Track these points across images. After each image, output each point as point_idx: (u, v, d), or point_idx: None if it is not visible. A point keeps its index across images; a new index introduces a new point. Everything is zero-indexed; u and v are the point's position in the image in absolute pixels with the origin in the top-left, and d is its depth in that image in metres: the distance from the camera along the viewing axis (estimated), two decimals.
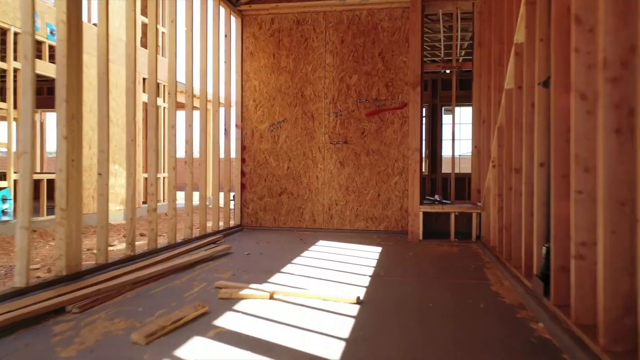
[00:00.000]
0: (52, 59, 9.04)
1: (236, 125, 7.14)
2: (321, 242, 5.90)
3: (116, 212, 10.07)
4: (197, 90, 5.79)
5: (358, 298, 3.28)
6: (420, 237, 6.02)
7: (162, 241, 5.29)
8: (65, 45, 3.47)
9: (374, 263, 4.65)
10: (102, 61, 4.06)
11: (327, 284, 3.83)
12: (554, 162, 2.86)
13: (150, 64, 4.83)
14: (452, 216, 5.99)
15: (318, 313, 3.05)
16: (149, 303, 3.22)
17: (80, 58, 3.61)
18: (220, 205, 6.50)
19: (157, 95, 10.92)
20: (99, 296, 3.22)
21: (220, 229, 6.41)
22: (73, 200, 3.56)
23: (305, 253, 5.17)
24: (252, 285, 3.53)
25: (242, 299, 3.35)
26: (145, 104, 11.88)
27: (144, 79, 10.91)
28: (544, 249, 3.14)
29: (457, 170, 6.84)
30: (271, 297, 3.36)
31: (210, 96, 6.34)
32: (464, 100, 10.81)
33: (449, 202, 6.50)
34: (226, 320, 2.88)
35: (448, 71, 10.92)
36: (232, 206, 7.23)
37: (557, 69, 2.86)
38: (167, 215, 5.19)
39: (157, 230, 4.80)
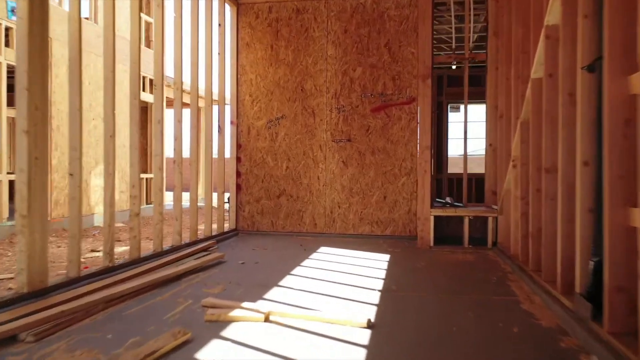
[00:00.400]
0: None
1: (231, 122, 6.64)
2: (323, 249, 5.40)
3: None
4: (187, 85, 5.32)
5: (369, 321, 2.78)
6: (431, 243, 5.52)
7: (149, 248, 4.79)
8: (27, 24, 2.97)
9: (383, 274, 4.15)
10: (74, 46, 3.56)
11: (331, 300, 3.33)
12: (608, 161, 2.36)
13: (132, 53, 4.33)
14: (466, 220, 5.49)
15: (322, 341, 2.54)
16: (121, 327, 2.72)
17: (46, 39, 3.11)
18: (214, 207, 6.00)
19: (143, 89, 10.48)
20: (63, 319, 2.72)
21: (214, 234, 5.91)
22: (37, 205, 3.06)
23: (306, 262, 4.66)
24: (244, 304, 3.03)
25: (233, 321, 2.84)
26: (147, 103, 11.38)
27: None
28: (591, 264, 2.64)
29: (469, 170, 6.33)
30: (266, 319, 2.86)
31: (202, 91, 5.84)
32: (474, 98, 10.31)
33: (461, 204, 6.00)
34: (211, 352, 2.37)
35: (454, 67, 10.44)
36: (227, 207, 6.72)
37: (612, 47, 2.36)
38: (153, 220, 4.69)
39: (140, 237, 4.30)
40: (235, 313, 2.89)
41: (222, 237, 6.01)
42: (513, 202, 4.62)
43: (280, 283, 3.80)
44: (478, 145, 14.47)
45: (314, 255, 5.00)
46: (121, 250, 5.93)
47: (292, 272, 4.19)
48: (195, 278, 3.94)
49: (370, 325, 2.77)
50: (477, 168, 12.61)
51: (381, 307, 3.18)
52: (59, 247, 6.40)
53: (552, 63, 3.41)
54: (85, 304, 2.92)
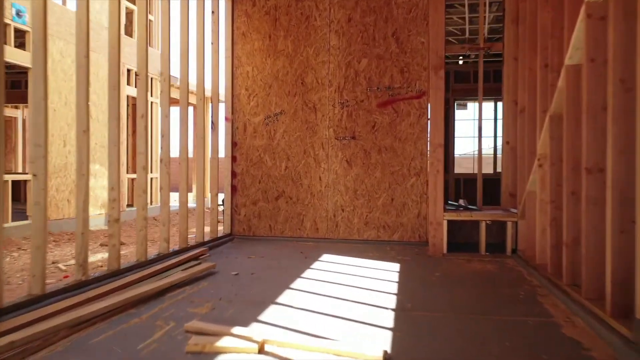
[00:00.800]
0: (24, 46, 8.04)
1: (225, 118, 6.15)
2: (326, 257, 4.91)
3: (96, 216, 9.07)
4: (178, 79, 4.83)
5: (385, 353, 2.29)
6: (444, 250, 5.02)
7: (135, 253, 4.30)
8: None
9: (395, 288, 3.66)
10: (38, 27, 3.06)
11: (337, 323, 2.84)
12: None
13: (111, 38, 3.83)
14: (483, 225, 5.00)
15: None
16: None
17: None
18: (207, 210, 5.50)
19: (128, 82, 9.97)
20: (10, 353, 2.22)
21: (206, 239, 5.41)
22: None
23: (307, 272, 4.17)
24: (235, 330, 2.54)
25: (220, 352, 2.35)
26: (131, 98, 10.90)
27: (127, 70, 9.92)
28: None
29: (475, 170, 5.84)
30: (261, 350, 2.37)
31: (193, 85, 5.34)
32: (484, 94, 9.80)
33: (475, 208, 5.51)
34: None
35: (461, 62, 9.95)
36: (221, 208, 6.23)
37: None
38: (136, 226, 4.19)
39: (119, 245, 3.80)
40: (223, 342, 2.40)
41: (215, 243, 5.51)
42: (539, 206, 4.12)
43: (278, 300, 3.31)
44: (484, 144, 13.91)
45: (315, 265, 4.51)
46: (98, 257, 5.43)
47: (292, 286, 3.70)
48: (181, 293, 3.45)
49: (386, 359, 2.28)
50: (485, 168, 12.13)
51: (397, 332, 2.68)
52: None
53: (596, 45, 2.92)
54: (43, 331, 2.42)
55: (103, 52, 9.09)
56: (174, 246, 4.95)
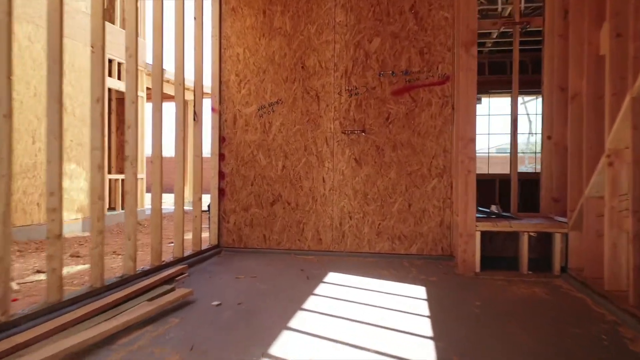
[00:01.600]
0: None
1: (212, 109, 5.22)
2: (332, 276, 3.98)
3: (72, 221, 8.13)
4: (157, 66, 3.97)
5: None
6: (477, 268, 4.10)
7: (107, 275, 3.36)
8: None
9: (427, 326, 2.74)
10: (1, 8, 2.13)
11: None
12: None
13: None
14: (525, 238, 4.07)
15: None
16: None
17: None
18: (187, 215, 4.56)
19: (110, 74, 8.94)
20: None
21: (186, 254, 4.48)
22: None
23: (310, 301, 3.24)
24: None
25: None
26: (114, 91, 9.95)
27: (109, 61, 8.98)
28: None
29: (491, 170, 4.93)
30: None
31: (170, 73, 4.41)
32: (496, 87, 8.93)
33: (511, 215, 4.59)
34: None
35: (488, 47, 9.06)
36: (206, 209, 5.31)
37: None
38: (91, 241, 3.25)
39: (61, 271, 2.86)
40: None
41: (198, 257, 4.58)
42: (609, 216, 3.20)
43: (271, 350, 2.38)
44: (500, 141, 12.97)
45: (320, 289, 3.58)
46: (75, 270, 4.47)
47: (290, 324, 2.77)
48: (139, 338, 2.52)
49: None
50: (502, 168, 11.23)
51: None
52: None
53: None
54: None
55: (79, 39, 8.15)
56: (144, 264, 4.02)
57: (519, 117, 5.02)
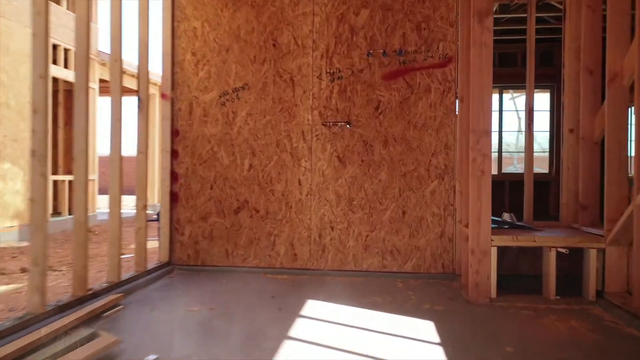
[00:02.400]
0: None
1: (162, 95, 4.26)
2: (311, 306, 3.09)
3: (6, 230, 7.00)
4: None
5: None
6: (493, 294, 3.28)
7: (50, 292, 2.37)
8: None
9: None
10: None
11: None
12: None
13: None
14: (553, 255, 3.27)
15: None
16: None
17: None
18: (130, 223, 3.61)
19: (55, 62, 7.79)
20: None
21: (125, 278, 3.52)
22: None
23: (283, 351, 2.34)
24: None
25: None
26: (61, 82, 8.80)
27: (54, 46, 7.85)
28: None
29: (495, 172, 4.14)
30: None
31: (130, 64, 3.44)
32: (502, 80, 8.17)
33: (526, 225, 3.79)
34: None
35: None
36: (155, 218, 4.34)
37: None
38: None
39: None
40: None
41: (141, 280, 3.62)
42: None
43: None
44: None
45: (296, 330, 2.69)
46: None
47: None
48: None
49: None
50: (494, 169, 10.54)
51: None
52: None
53: None
54: None
55: (15, 18, 7.03)
56: (60, 296, 3.04)
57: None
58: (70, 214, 8.27)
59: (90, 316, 2.72)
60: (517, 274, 3.88)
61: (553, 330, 2.70)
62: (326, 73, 4.05)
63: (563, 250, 3.24)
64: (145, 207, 3.79)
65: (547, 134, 8.42)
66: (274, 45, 4.11)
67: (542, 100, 9.86)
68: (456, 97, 3.91)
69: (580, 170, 3.64)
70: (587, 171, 3.59)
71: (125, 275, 3.55)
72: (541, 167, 9.94)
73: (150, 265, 3.97)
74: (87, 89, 3.05)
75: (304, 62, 4.08)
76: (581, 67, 3.61)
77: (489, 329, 2.72)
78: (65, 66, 8.12)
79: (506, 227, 3.72)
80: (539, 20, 6.58)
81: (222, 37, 4.18)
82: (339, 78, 4.03)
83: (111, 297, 3.05)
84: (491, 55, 3.23)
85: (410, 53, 3.96)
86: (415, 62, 3.96)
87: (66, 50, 8.13)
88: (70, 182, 8.32)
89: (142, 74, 3.81)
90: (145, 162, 3.81)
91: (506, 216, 3.92)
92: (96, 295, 3.09)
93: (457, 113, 3.92)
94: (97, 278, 3.95)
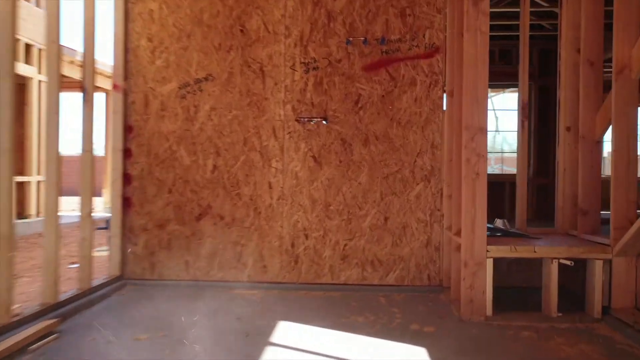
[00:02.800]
0: None
1: (114, 86, 3.75)
2: (284, 330, 2.66)
3: None
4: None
5: None
6: (488, 311, 2.91)
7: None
8: None
9: None
10: None
11: None
12: None
13: None
14: (555, 268, 2.92)
15: None
16: None
17: None
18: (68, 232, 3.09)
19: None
20: None
21: (65, 298, 3.00)
22: None
23: None
24: None
25: None
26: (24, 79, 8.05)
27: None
28: None
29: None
30: None
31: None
32: (505, 79, 7.85)
33: (521, 232, 3.45)
34: None
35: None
36: (104, 226, 3.81)
37: None
38: None
39: None
40: None
41: (85, 299, 3.11)
42: None
43: None
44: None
45: None
46: None
47: None
48: None
49: None
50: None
51: None
52: None
53: None
54: None
55: None
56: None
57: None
58: (21, 217, 7.58)
59: (11, 352, 2.21)
60: (510, 286, 3.53)
61: (563, 357, 2.34)
62: (300, 63, 3.62)
63: (567, 262, 2.90)
64: (90, 214, 3.27)
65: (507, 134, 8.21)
66: (241, 31, 3.66)
67: (512, 99, 9.70)
68: (444, 91, 3.54)
69: (579, 171, 3.32)
70: (587, 172, 3.26)
71: (65, 295, 3.03)
72: (513, 166, 9.75)
73: (98, 280, 3.46)
74: (13, 74, 2.53)
75: (276, 51, 3.63)
76: (581, 59, 3.29)
77: (489, 355, 2.34)
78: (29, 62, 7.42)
79: (499, 234, 3.36)
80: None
81: (183, 21, 3.70)
82: (314, 69, 3.61)
83: (43, 323, 2.54)
84: (487, 43, 2.87)
85: (394, 42, 3.57)
86: (399, 52, 3.57)
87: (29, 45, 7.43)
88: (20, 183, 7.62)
89: (88, 59, 3.29)
90: (92, 162, 3.29)
91: (499, 222, 3.58)
92: (24, 322, 2.57)
93: (445, 109, 3.55)
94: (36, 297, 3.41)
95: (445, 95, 3.55)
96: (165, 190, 3.69)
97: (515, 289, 3.52)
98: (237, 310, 3.06)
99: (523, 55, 3.61)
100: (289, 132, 3.62)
